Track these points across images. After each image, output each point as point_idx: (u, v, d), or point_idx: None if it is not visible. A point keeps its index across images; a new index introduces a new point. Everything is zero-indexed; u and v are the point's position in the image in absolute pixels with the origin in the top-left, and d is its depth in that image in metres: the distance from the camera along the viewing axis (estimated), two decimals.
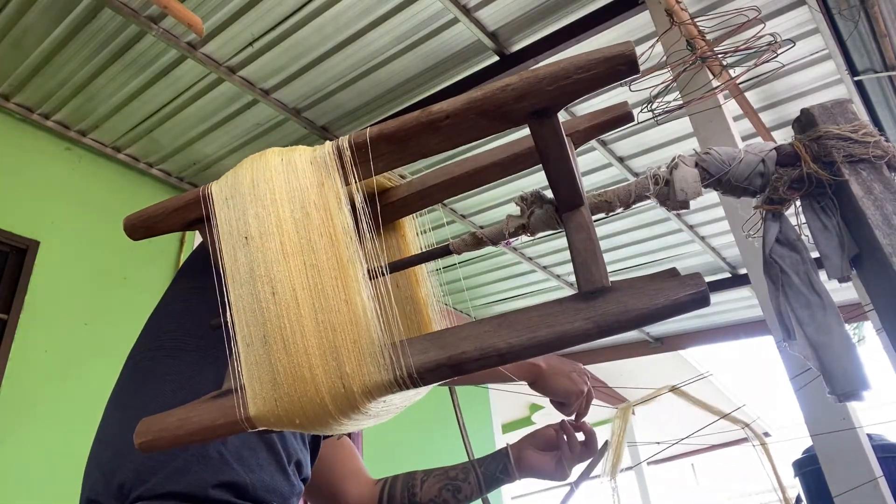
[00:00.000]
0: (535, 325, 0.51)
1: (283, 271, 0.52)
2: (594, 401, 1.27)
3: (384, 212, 0.72)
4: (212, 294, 0.99)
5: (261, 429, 0.53)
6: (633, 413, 7.23)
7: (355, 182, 0.55)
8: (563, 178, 0.56)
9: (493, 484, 1.19)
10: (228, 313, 0.55)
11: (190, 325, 0.98)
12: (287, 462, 1.00)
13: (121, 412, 0.93)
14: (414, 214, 0.75)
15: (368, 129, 0.55)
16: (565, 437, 1.20)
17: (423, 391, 0.63)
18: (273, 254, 0.52)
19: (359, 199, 0.55)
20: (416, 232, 0.76)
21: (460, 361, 0.51)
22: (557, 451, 1.19)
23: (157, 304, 1.06)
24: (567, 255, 0.57)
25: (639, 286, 0.51)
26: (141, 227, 0.60)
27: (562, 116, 0.51)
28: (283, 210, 0.54)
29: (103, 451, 0.92)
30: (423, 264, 0.73)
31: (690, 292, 0.50)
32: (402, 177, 0.74)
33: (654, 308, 0.50)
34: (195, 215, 0.59)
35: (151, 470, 0.85)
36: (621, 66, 0.48)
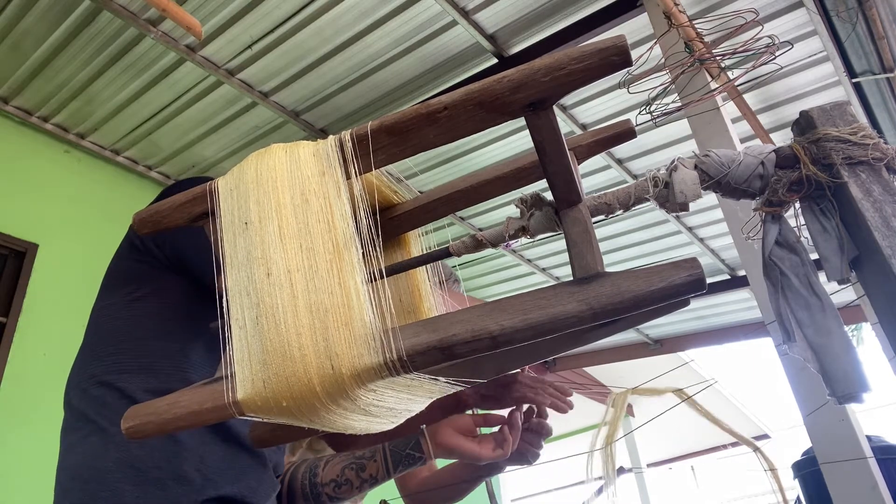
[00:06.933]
0: (527, 307, 0.51)
1: (278, 253, 0.53)
2: (593, 400, 1.26)
3: (391, 226, 0.73)
4: (157, 299, 0.98)
5: (249, 416, 0.53)
6: (633, 416, 7.23)
7: (356, 173, 0.56)
8: (560, 171, 0.57)
9: (403, 462, 1.12)
10: (224, 299, 0.55)
11: (142, 342, 0.96)
12: (267, 461, 1.01)
13: (83, 444, 0.91)
14: (420, 235, 0.76)
15: (370, 122, 0.56)
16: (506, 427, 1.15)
17: (421, 401, 0.62)
18: (270, 237, 0.53)
19: (357, 187, 0.56)
20: (422, 249, 0.76)
21: (452, 344, 0.51)
22: (474, 437, 1.15)
23: (91, 318, 1.03)
24: (566, 257, 0.57)
25: (634, 271, 0.52)
26: (149, 222, 0.61)
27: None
28: (283, 196, 0.55)
29: (71, 483, 0.89)
30: (427, 281, 0.74)
31: (686, 275, 0.50)
32: (399, 180, 0.74)
33: (649, 290, 0.50)
34: (201, 209, 0.59)
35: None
36: (614, 57, 0.49)
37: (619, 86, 2.86)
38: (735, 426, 6.64)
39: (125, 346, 0.96)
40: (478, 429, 1.17)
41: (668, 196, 0.62)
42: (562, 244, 4.08)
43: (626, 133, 0.69)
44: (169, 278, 1.00)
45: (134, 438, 0.55)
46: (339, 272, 0.52)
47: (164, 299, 0.99)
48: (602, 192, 0.64)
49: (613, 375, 6.86)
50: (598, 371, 6.84)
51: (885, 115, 3.06)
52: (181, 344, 0.97)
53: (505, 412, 1.20)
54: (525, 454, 1.25)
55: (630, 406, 7.27)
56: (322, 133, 3.45)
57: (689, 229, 4.45)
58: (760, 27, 2.42)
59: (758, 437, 7.16)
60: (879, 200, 0.58)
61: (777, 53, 2.34)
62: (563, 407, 1.23)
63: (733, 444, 7.96)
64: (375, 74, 3.10)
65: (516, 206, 0.67)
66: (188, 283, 1.00)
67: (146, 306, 0.99)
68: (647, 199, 0.64)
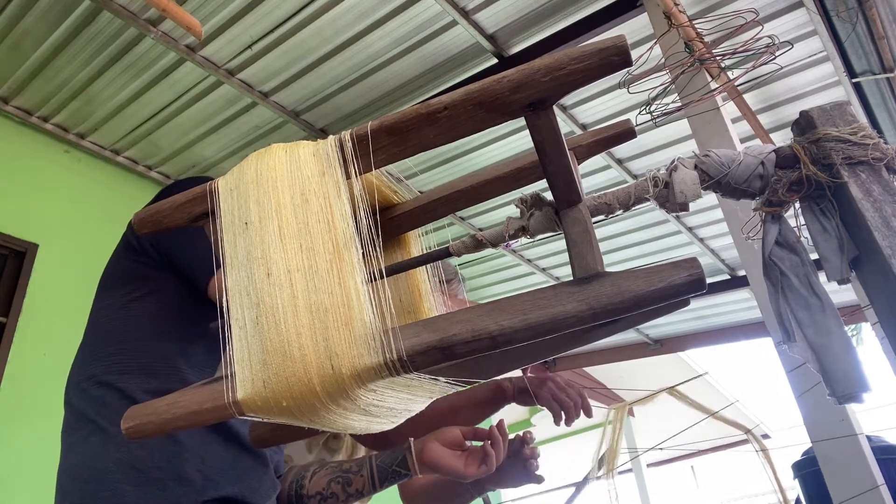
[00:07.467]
0: (527, 308, 0.51)
1: (278, 253, 0.52)
2: (592, 401, 1.29)
3: (391, 226, 0.73)
4: (155, 300, 0.98)
5: (249, 415, 0.53)
6: (633, 415, 7.24)
7: (355, 173, 0.56)
8: (560, 171, 0.57)
9: (389, 478, 1.12)
10: (224, 299, 0.55)
11: (141, 343, 0.97)
12: (268, 461, 1.01)
13: (83, 444, 0.91)
14: (420, 235, 0.76)
15: (370, 122, 0.56)
16: (487, 442, 1.16)
17: (421, 401, 0.62)
18: (270, 237, 0.53)
19: (357, 187, 0.56)
20: (422, 249, 0.76)
21: (451, 344, 0.51)
22: (463, 451, 1.15)
23: (90, 318, 1.04)
24: (566, 257, 0.57)
25: (634, 271, 0.52)
26: (149, 222, 0.61)
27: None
28: (283, 196, 0.55)
29: (71, 484, 0.89)
30: (427, 280, 0.74)
31: (686, 275, 0.50)
32: (399, 180, 0.74)
33: (650, 290, 0.50)
34: (201, 209, 0.59)
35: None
36: (614, 57, 0.49)
37: (619, 86, 2.85)
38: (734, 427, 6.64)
39: (124, 347, 0.96)
40: (467, 441, 1.17)
41: (668, 196, 0.62)
42: (562, 244, 4.08)
43: (626, 133, 0.69)
44: (166, 278, 1.00)
45: (134, 438, 0.55)
46: (339, 272, 0.52)
47: (163, 299, 1.00)
48: (602, 192, 0.64)
49: (613, 375, 6.86)
50: (598, 371, 6.84)
51: (885, 115, 3.06)
52: (181, 344, 0.97)
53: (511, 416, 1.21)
54: (529, 476, 1.29)
55: (630, 408, 7.28)
56: (322, 133, 3.45)
57: (689, 229, 4.45)
58: (760, 27, 2.42)
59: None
60: (879, 200, 0.58)
61: (777, 53, 2.34)
62: (572, 415, 1.29)
63: (733, 444, 7.97)
64: (375, 74, 3.10)
65: (516, 206, 0.67)
66: (186, 284, 1.00)
67: (145, 306, 0.99)
68: (647, 199, 0.64)
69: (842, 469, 1.79)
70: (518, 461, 1.29)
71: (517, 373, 1.33)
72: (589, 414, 1.30)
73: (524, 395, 1.35)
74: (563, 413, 1.29)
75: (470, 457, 1.14)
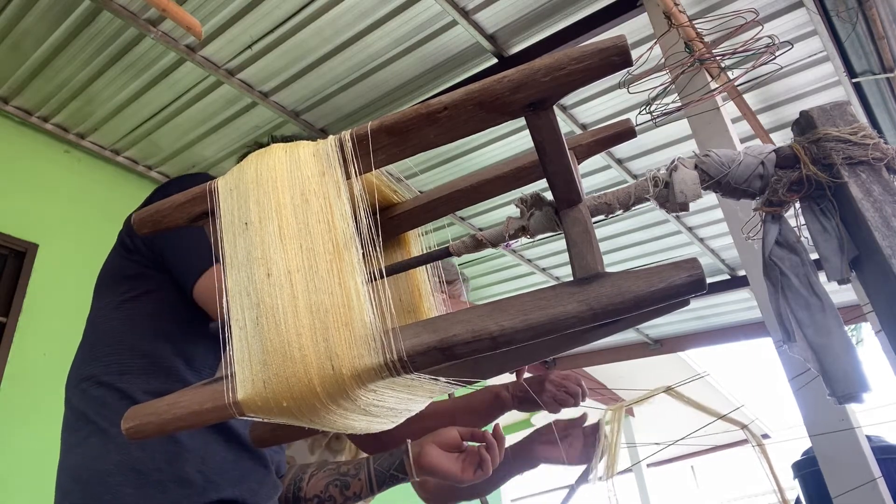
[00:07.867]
0: (527, 308, 0.51)
1: (278, 253, 0.52)
2: (590, 402, 1.31)
3: (391, 226, 0.73)
4: (154, 299, 0.98)
5: (249, 416, 0.53)
6: (633, 416, 7.23)
7: (355, 173, 0.56)
8: (560, 171, 0.57)
9: (387, 482, 1.12)
10: (224, 299, 0.55)
11: (139, 343, 0.97)
12: (269, 462, 1.01)
13: (84, 445, 0.91)
14: (420, 235, 0.76)
15: (370, 122, 0.56)
16: (482, 443, 1.15)
17: (421, 401, 0.62)
18: (270, 237, 0.53)
19: (357, 187, 0.56)
20: (422, 249, 0.76)
21: (452, 344, 0.51)
22: (461, 453, 1.14)
23: (89, 317, 1.04)
24: (566, 257, 0.57)
25: (634, 271, 0.52)
26: (149, 222, 0.61)
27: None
28: (283, 196, 0.55)
29: (71, 484, 0.89)
30: (427, 280, 0.74)
31: (686, 275, 0.50)
32: (399, 180, 0.74)
33: (650, 291, 0.50)
34: (201, 209, 0.59)
35: None
36: (614, 57, 0.49)
37: (619, 86, 2.85)
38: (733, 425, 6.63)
39: (123, 347, 0.96)
40: (465, 443, 1.16)
41: (668, 196, 0.62)
42: (562, 244, 4.08)
43: (626, 133, 0.69)
44: (162, 278, 1.00)
45: (134, 439, 0.55)
46: (339, 272, 0.52)
47: (160, 299, 0.99)
48: (602, 192, 0.64)
49: (613, 375, 6.86)
50: (598, 371, 6.84)
51: (885, 115, 3.06)
52: (180, 345, 0.97)
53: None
54: (586, 455, 1.34)
55: (630, 408, 7.27)
56: (322, 133, 3.45)
57: (689, 229, 4.45)
58: (760, 27, 2.42)
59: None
60: (879, 200, 0.58)
61: (777, 53, 2.34)
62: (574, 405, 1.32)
63: (733, 444, 7.97)
64: (375, 74, 3.10)
65: (516, 206, 0.67)
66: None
67: (142, 306, 0.99)
68: (647, 199, 0.64)
69: (841, 468, 1.79)
70: (581, 442, 1.32)
71: (513, 377, 1.34)
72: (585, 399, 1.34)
73: (524, 402, 1.36)
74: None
75: (466, 461, 1.13)
